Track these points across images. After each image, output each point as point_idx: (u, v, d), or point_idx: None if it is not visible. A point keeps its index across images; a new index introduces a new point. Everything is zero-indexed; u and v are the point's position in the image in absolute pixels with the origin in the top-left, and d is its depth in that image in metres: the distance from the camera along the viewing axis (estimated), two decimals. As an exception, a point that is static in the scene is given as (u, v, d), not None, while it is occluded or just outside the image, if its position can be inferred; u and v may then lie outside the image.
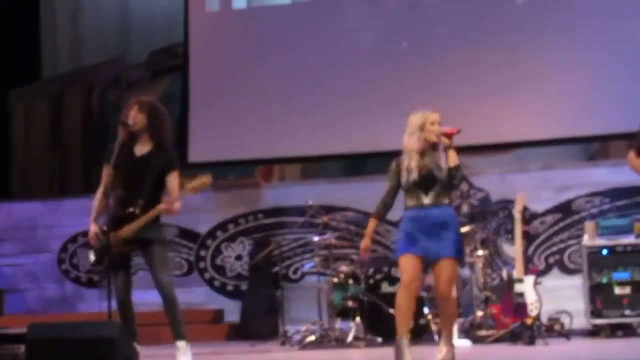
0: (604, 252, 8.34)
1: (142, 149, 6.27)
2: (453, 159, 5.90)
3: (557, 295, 8.99)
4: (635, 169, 6.09)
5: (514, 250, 8.46)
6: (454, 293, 6.34)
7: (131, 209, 6.12)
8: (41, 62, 12.34)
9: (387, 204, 6.18)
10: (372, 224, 6.31)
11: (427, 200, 5.95)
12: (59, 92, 12.26)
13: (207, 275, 10.57)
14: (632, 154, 6.09)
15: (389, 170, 6.16)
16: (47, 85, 12.34)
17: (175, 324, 6.17)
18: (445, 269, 5.94)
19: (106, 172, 6.20)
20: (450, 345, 6.09)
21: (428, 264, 6.04)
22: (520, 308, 7.87)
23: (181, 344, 6.15)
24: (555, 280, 9.43)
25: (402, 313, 5.95)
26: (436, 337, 7.58)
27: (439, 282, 5.96)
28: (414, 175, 5.91)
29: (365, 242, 6.28)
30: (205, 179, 6.26)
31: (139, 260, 6.48)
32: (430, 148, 5.97)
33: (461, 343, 6.83)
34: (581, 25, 9.92)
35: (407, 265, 5.96)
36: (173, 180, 6.23)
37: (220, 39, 10.88)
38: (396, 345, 5.88)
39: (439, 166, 5.90)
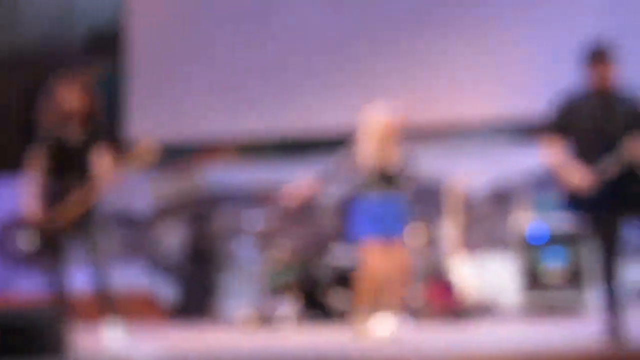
0: (538, 234, 8.49)
1: (75, 133, 6.23)
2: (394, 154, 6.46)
3: (490, 275, 9.04)
4: (552, 165, 5.71)
5: (448, 230, 8.68)
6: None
7: (71, 190, 6.08)
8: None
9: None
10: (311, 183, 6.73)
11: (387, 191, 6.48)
12: (-9, 71, 12.16)
13: (144, 256, 10.55)
14: (548, 143, 5.70)
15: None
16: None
17: (107, 301, 6.18)
18: (398, 249, 6.50)
19: (37, 161, 6.18)
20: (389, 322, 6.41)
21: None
22: (452, 288, 8.05)
23: (112, 322, 6.14)
24: (488, 261, 9.46)
25: (365, 295, 6.51)
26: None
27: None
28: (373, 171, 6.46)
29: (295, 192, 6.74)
30: (147, 151, 6.34)
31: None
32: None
33: (396, 322, 6.69)
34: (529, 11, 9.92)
35: (373, 251, 6.43)
36: (109, 160, 6.23)
37: (159, 18, 10.86)
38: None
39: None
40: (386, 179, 6.40)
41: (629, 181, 5.39)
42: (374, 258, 6.35)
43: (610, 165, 5.33)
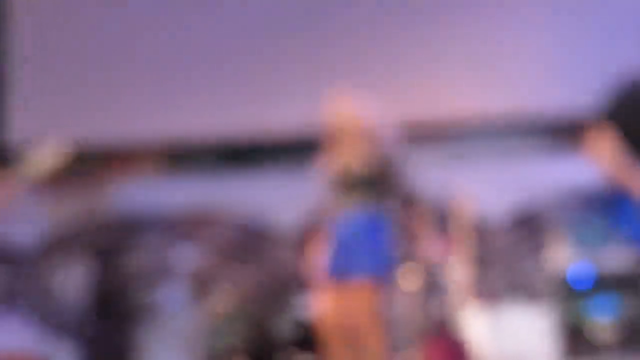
0: (581, 277, 7.87)
1: None
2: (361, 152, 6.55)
3: (515, 332, 8.41)
4: (616, 175, 4.78)
5: (455, 270, 8.16)
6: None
7: None
8: None
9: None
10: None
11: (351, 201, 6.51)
12: None
13: (29, 308, 9.74)
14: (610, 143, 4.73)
15: None
16: None
17: None
18: (358, 294, 6.44)
19: None
20: None
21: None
22: (461, 350, 7.68)
23: None
24: (513, 314, 8.89)
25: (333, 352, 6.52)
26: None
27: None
28: (334, 177, 6.57)
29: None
30: (51, 153, 6.32)
31: None
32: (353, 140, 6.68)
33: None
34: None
35: (334, 297, 6.38)
36: None
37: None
38: None
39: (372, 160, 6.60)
40: (354, 190, 6.41)
41: None
42: (327, 305, 6.37)
43: None
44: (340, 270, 6.28)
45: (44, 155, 5.99)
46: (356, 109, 6.48)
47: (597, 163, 5.03)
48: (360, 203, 6.33)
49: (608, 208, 9.05)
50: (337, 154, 6.45)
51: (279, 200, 9.32)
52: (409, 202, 7.07)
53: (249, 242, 9.66)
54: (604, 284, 7.80)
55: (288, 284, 8.94)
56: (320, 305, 6.44)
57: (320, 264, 6.43)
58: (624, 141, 4.42)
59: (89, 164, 10.11)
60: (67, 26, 10.23)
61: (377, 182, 6.36)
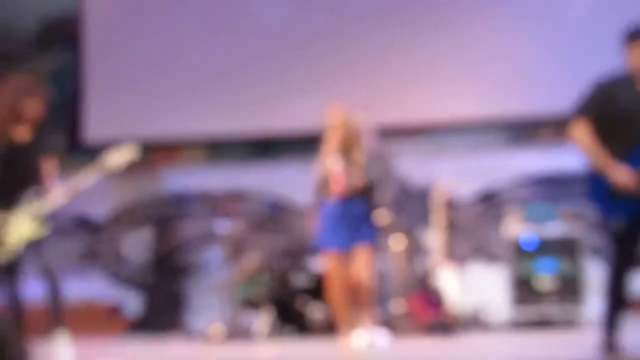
0: (528, 241, 8.52)
1: (22, 135, 6.18)
2: (355, 154, 6.56)
3: (479, 286, 9.14)
4: (584, 148, 5.27)
5: (434, 239, 8.69)
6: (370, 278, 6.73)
7: (30, 194, 6.11)
8: None
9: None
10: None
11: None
12: None
13: (105, 266, 10.54)
14: (581, 126, 5.23)
15: None
16: None
17: (57, 312, 6.16)
18: (360, 256, 6.56)
19: None
20: (369, 335, 6.56)
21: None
22: (438, 299, 8.04)
23: (61, 334, 6.14)
24: (477, 272, 9.55)
25: (336, 302, 6.68)
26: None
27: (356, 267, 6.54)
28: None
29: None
30: (128, 152, 6.40)
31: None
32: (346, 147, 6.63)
33: (378, 337, 6.84)
34: (508, 5, 10.13)
35: (333, 262, 6.61)
36: (54, 165, 6.30)
37: (118, 9, 10.84)
38: None
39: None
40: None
41: None
42: (332, 268, 6.50)
43: None
44: (343, 241, 6.44)
45: (116, 151, 6.17)
46: (347, 115, 6.59)
47: (577, 150, 5.20)
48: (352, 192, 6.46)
49: (554, 191, 9.48)
50: (332, 151, 6.56)
51: (295, 183, 9.44)
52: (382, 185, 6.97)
53: (272, 215, 10.05)
54: (546, 248, 8.43)
55: (302, 248, 9.29)
56: (325, 265, 6.65)
57: (318, 235, 6.65)
58: (595, 133, 5.02)
59: (149, 154, 10.15)
60: (127, 46, 10.64)
61: (368, 178, 6.49)
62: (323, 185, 6.64)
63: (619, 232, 5.21)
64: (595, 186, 5.25)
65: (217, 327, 8.55)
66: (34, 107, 6.13)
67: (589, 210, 8.27)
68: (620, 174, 5.03)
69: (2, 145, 6.08)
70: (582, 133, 5.23)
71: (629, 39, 5.17)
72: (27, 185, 6.17)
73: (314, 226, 6.77)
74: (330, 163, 6.60)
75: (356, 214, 6.52)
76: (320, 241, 6.62)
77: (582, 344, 6.00)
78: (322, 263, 6.78)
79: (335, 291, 6.56)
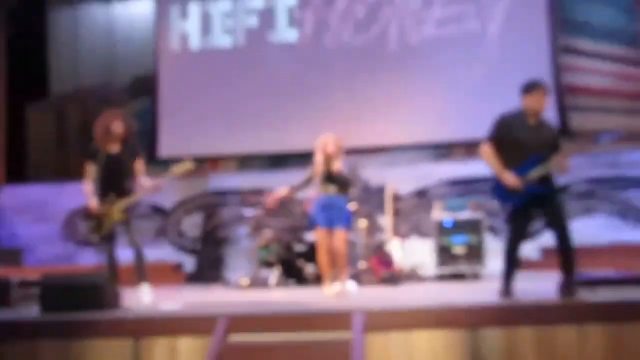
0: (447, 223, 8.33)
1: (114, 148, 6.10)
2: (336, 165, 6.40)
3: (415, 253, 9.03)
4: (488, 162, 5.20)
5: (386, 221, 8.62)
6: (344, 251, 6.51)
7: (123, 189, 6.04)
8: (49, 84, 11.99)
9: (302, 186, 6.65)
10: (287, 189, 6.71)
11: (330, 190, 6.41)
12: (62, 106, 11.93)
13: (171, 238, 10.44)
14: (488, 147, 5.17)
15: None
16: (54, 101, 12.00)
17: (141, 271, 6.07)
18: (340, 234, 6.36)
19: (90, 167, 6.08)
20: (344, 285, 6.43)
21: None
22: (390, 262, 7.88)
23: (145, 285, 6.08)
24: (414, 243, 9.49)
25: (322, 263, 6.48)
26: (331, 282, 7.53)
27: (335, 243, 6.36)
28: (321, 176, 6.43)
29: (274, 197, 6.77)
30: (188, 164, 6.27)
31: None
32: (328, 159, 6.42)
33: (349, 286, 6.76)
34: (435, 65, 10.03)
35: (322, 236, 6.38)
36: (141, 165, 6.16)
37: (181, 70, 10.73)
38: None
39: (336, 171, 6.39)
40: (331, 183, 6.39)
41: (543, 186, 5.11)
42: (322, 240, 6.38)
43: (537, 173, 5.02)
44: (328, 223, 6.32)
45: (180, 164, 6.13)
46: (333, 139, 6.47)
47: (482, 163, 5.23)
48: (332, 190, 6.38)
49: (464, 190, 9.48)
50: (320, 162, 6.44)
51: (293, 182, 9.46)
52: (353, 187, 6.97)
53: (281, 205, 9.16)
54: (459, 227, 8.28)
55: (302, 226, 8.92)
56: (317, 238, 6.47)
57: (312, 217, 6.49)
58: (497, 151, 5.08)
59: (200, 164, 10.00)
60: (186, 94, 10.56)
61: (340, 179, 6.40)
62: (307, 181, 6.58)
63: (511, 215, 5.22)
64: (497, 186, 5.18)
65: (244, 279, 8.46)
66: (119, 127, 6.06)
67: (488, 203, 8.49)
68: (511, 179, 5.00)
69: (102, 157, 6.00)
70: (488, 152, 5.17)
71: (523, 90, 5.11)
72: (120, 183, 6.08)
73: (309, 211, 6.62)
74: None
75: (336, 205, 6.36)
76: (313, 222, 6.46)
77: (485, 290, 5.94)
78: (315, 236, 6.60)
79: (321, 255, 6.44)
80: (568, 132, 9.38)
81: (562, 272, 5.03)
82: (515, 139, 5.04)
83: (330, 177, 6.41)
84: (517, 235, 5.20)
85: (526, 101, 5.08)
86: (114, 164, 6.05)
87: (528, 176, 4.99)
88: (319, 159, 6.46)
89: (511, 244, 5.23)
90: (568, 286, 4.94)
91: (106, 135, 6.02)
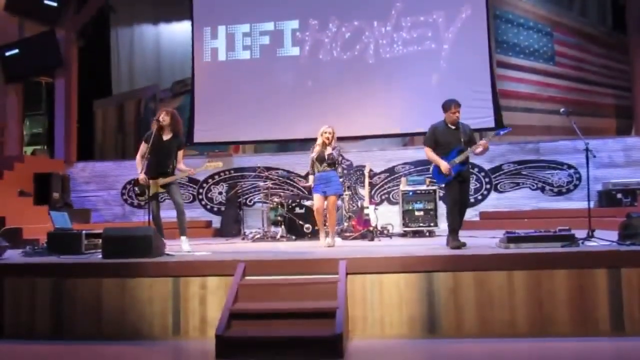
0: (410, 193, 8.24)
1: (166, 136, 6.05)
2: (328, 150, 6.31)
3: (386, 215, 8.99)
4: (430, 159, 5.63)
5: (364, 192, 8.42)
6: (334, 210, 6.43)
7: (165, 169, 5.97)
8: (111, 85, 11.87)
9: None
10: (311, 178, 6.47)
11: (319, 168, 6.34)
12: (121, 102, 11.83)
13: (202, 202, 10.29)
14: (427, 149, 5.64)
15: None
16: (115, 98, 11.89)
17: (182, 226, 6.01)
18: (331, 199, 6.31)
19: (143, 147, 5.99)
20: (332, 238, 6.39)
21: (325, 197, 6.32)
22: (366, 221, 7.78)
23: (184, 238, 6.03)
24: (385, 208, 9.44)
25: (318, 221, 6.42)
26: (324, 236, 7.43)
27: (328, 205, 6.35)
28: (314, 156, 6.35)
29: (310, 184, 6.49)
30: (218, 163, 6.21)
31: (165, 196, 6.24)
32: (324, 145, 6.35)
33: (336, 239, 6.71)
34: (402, 75, 9.88)
35: (316, 199, 6.31)
36: (181, 154, 6.12)
37: (211, 76, 10.50)
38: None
39: (331, 154, 6.30)
40: (324, 162, 6.30)
41: (463, 166, 5.51)
42: (317, 204, 6.31)
43: (458, 159, 5.45)
44: (322, 190, 6.23)
45: (212, 161, 6.05)
46: (330, 129, 6.34)
47: (428, 157, 5.64)
48: (326, 167, 6.27)
49: (422, 168, 9.27)
50: (318, 146, 6.33)
51: (301, 162, 9.46)
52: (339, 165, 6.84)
53: (286, 178, 9.66)
54: (418, 195, 8.18)
55: (301, 194, 9.13)
56: (314, 202, 6.31)
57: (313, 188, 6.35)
58: (434, 147, 5.52)
59: (226, 148, 10.43)
60: (216, 93, 10.29)
61: (331, 159, 6.25)
62: (312, 165, 6.43)
63: (447, 188, 5.58)
64: (434, 171, 5.59)
65: (257, 233, 8.41)
66: (165, 118, 6.01)
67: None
68: (443, 165, 5.45)
69: (154, 140, 5.88)
70: (427, 153, 5.65)
71: (444, 107, 5.59)
72: (165, 163, 5.99)
73: (310, 183, 6.54)
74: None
75: (328, 177, 6.28)
76: (313, 190, 6.40)
77: (437, 244, 5.93)
78: (313, 201, 6.45)
79: (316, 214, 6.39)
80: (501, 126, 9.35)
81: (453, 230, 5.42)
82: (442, 139, 5.56)
83: (323, 158, 6.33)
84: (453, 200, 5.48)
85: (445, 115, 5.59)
86: (161, 147, 5.95)
87: (453, 161, 5.43)
88: (319, 142, 6.38)
89: (449, 206, 5.54)
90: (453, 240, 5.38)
91: (157, 124, 5.94)
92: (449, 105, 5.52)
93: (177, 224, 6.01)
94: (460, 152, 5.46)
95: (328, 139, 6.33)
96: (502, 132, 5.62)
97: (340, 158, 6.57)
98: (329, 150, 6.31)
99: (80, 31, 10.81)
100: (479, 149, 5.44)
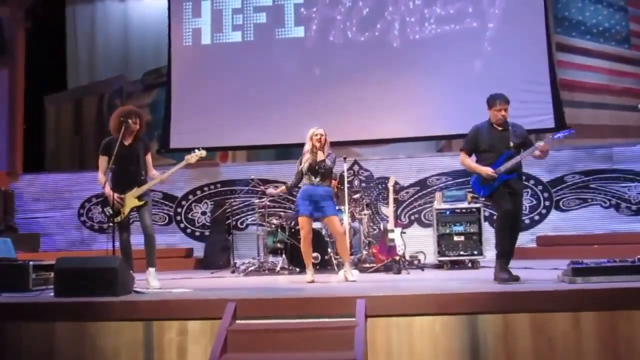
0: (447, 212, 8.24)
1: (127, 140, 6.16)
2: (320, 156, 6.35)
3: (416, 241, 9.04)
4: (465, 166, 5.86)
5: (388, 211, 8.42)
6: (344, 233, 6.51)
7: (138, 178, 6.09)
8: (66, 78, 12.02)
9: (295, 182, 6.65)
10: (283, 188, 6.83)
11: (314, 181, 6.38)
12: (79, 98, 11.95)
13: (181, 225, 10.44)
14: (463, 155, 5.83)
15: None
16: (71, 93, 12.03)
17: (151, 255, 6.08)
18: (334, 221, 6.34)
19: (104, 162, 6.10)
20: (350, 270, 6.51)
21: (316, 220, 6.53)
22: (391, 249, 7.80)
23: (152, 270, 6.09)
24: (415, 231, 9.50)
25: (304, 252, 6.51)
26: (335, 269, 7.58)
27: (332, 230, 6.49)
28: (306, 166, 6.41)
29: (271, 191, 6.97)
30: (201, 152, 6.25)
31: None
32: (316, 150, 6.40)
33: (352, 272, 6.64)
34: (435, 62, 10.00)
35: (303, 223, 6.36)
36: (150, 159, 6.24)
37: (193, 64, 10.68)
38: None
39: (320, 161, 6.34)
40: (317, 174, 6.37)
41: (514, 176, 5.64)
42: (302, 226, 6.39)
43: (504, 168, 5.56)
44: (310, 212, 6.30)
45: (192, 154, 6.05)
46: (320, 132, 6.40)
47: (462, 164, 5.88)
48: (316, 180, 6.35)
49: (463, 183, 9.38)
50: (309, 151, 6.41)
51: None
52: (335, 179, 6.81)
53: (286, 194, 9.04)
54: (459, 214, 8.12)
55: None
56: (301, 226, 6.37)
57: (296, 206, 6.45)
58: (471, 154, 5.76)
59: (212, 155, 10.49)
60: (197, 88, 10.48)
61: (323, 169, 6.33)
62: (298, 176, 6.59)
63: (493, 202, 5.74)
64: (474, 181, 5.77)
65: (251, 264, 8.42)
66: (136, 122, 6.14)
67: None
68: (484, 168, 5.60)
69: (116, 148, 5.96)
70: (463, 159, 5.81)
71: (487, 104, 5.71)
72: (133, 173, 6.12)
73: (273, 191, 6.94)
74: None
75: (318, 193, 6.37)
76: (296, 209, 6.51)
77: (483, 277, 5.90)
78: (321, 223, 6.69)
79: (302, 241, 6.49)
80: (564, 126, 9.36)
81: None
82: (485, 144, 5.68)
83: (313, 168, 6.40)
84: (502, 213, 5.51)
85: (490, 113, 5.70)
86: (127, 155, 6.06)
87: (498, 169, 5.56)
88: (307, 148, 6.49)
89: (498, 223, 5.59)
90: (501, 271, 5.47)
91: (122, 128, 6.03)
92: (493, 102, 5.62)
93: (145, 252, 6.07)
94: (508, 159, 5.58)
95: (319, 140, 6.42)
96: (562, 135, 5.66)
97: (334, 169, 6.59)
98: (320, 156, 6.36)
99: (28, 10, 10.96)
100: (537, 152, 5.52)
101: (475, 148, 5.76)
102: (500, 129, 5.66)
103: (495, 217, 5.64)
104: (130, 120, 6.06)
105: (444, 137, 10.01)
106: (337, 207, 6.58)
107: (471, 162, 5.74)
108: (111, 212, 6.04)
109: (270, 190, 6.82)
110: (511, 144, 5.59)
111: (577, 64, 10.21)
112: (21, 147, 10.85)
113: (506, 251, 5.49)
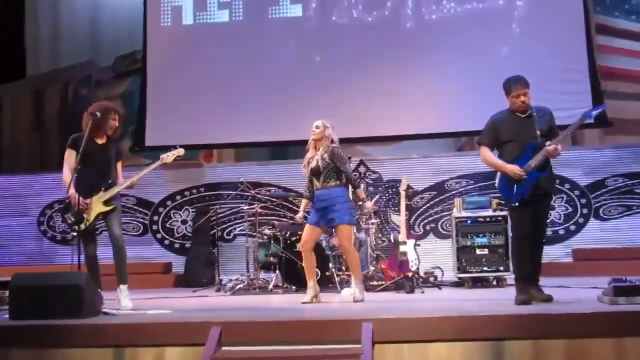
0: (469, 222, 8.19)
1: (100, 139, 6.23)
2: (313, 153, 6.44)
3: (432, 254, 9.07)
4: (489, 164, 5.81)
5: (400, 219, 8.42)
6: (350, 247, 6.49)
7: (107, 180, 6.13)
8: (26, 64, 12.04)
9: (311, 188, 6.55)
10: (305, 202, 6.72)
11: (318, 184, 6.42)
12: (40, 88, 11.96)
13: (158, 236, 10.45)
14: (484, 150, 5.71)
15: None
16: (31, 82, 12.03)
17: (121, 270, 6.11)
18: (340, 232, 6.34)
19: (72, 156, 6.11)
20: (359, 289, 6.45)
21: (325, 229, 6.63)
22: (403, 264, 7.80)
23: (124, 287, 6.13)
24: (431, 244, 9.50)
25: (305, 264, 6.52)
26: (338, 287, 7.57)
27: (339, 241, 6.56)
28: (306, 170, 6.49)
29: (300, 216, 6.85)
30: (179, 150, 6.36)
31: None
32: (317, 146, 6.46)
33: (361, 291, 6.53)
34: (455, 47, 9.99)
35: (304, 231, 6.45)
36: (120, 167, 6.32)
37: (172, 48, 10.72)
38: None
39: (322, 160, 6.35)
40: (320, 175, 6.40)
41: (547, 174, 5.57)
42: (305, 236, 6.44)
43: (534, 163, 5.45)
44: (316, 220, 6.37)
45: (169, 151, 6.24)
46: (318, 122, 6.45)
47: (485, 162, 5.82)
48: (318, 183, 6.37)
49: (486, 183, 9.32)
50: (314, 149, 6.47)
51: (305, 175, 9.47)
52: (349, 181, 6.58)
53: (280, 199, 9.70)
54: (482, 224, 8.05)
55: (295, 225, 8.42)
56: (305, 234, 6.42)
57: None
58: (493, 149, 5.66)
59: (194, 155, 10.56)
60: (177, 76, 10.54)
61: (333, 171, 6.33)
62: (309, 181, 6.57)
63: (515, 209, 5.60)
64: (502, 182, 5.65)
65: (240, 282, 8.42)
66: (116, 122, 6.24)
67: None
68: (512, 168, 5.48)
69: (87, 147, 6.00)
70: (485, 155, 5.73)
71: (504, 90, 5.63)
72: (103, 175, 6.17)
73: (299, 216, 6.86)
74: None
75: (326, 198, 6.39)
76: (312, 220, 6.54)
77: (510, 297, 5.72)
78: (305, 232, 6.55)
79: (304, 253, 6.54)
80: (605, 121, 9.35)
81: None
82: (506, 136, 5.60)
83: (317, 169, 6.42)
84: (521, 234, 5.51)
85: (508, 100, 5.63)
86: (98, 155, 6.12)
87: (528, 165, 5.46)
88: (307, 147, 6.58)
89: (516, 242, 5.61)
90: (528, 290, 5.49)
91: (98, 126, 6.09)
92: (510, 87, 5.58)
93: (115, 267, 6.09)
94: (536, 150, 5.48)
95: (314, 132, 6.47)
96: (594, 113, 5.65)
97: (345, 162, 6.56)
98: (319, 153, 6.41)
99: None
100: (552, 148, 5.48)
101: (496, 140, 5.67)
102: (522, 116, 5.59)
103: (511, 235, 5.62)
104: (110, 119, 6.15)
105: (464, 134, 9.99)
106: (352, 214, 6.54)
107: (495, 157, 5.66)
108: (73, 220, 6.02)
109: (300, 215, 6.81)
110: (538, 132, 5.48)
111: (620, 49, 10.21)
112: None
113: (526, 274, 5.49)
